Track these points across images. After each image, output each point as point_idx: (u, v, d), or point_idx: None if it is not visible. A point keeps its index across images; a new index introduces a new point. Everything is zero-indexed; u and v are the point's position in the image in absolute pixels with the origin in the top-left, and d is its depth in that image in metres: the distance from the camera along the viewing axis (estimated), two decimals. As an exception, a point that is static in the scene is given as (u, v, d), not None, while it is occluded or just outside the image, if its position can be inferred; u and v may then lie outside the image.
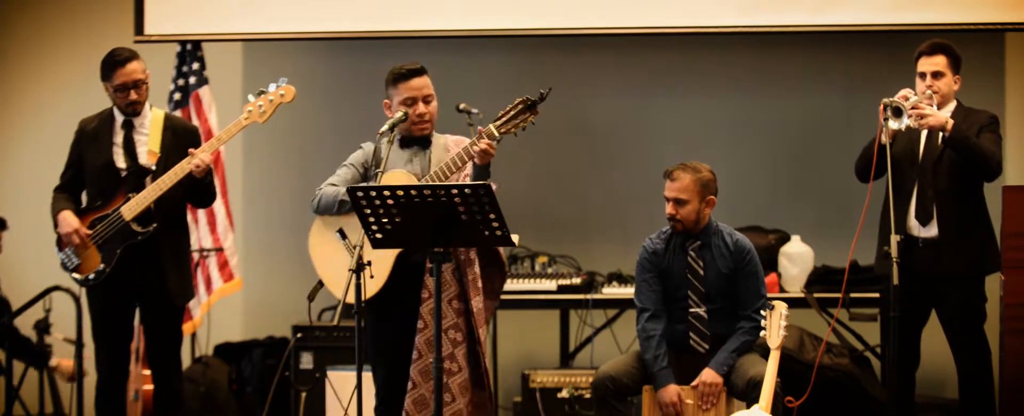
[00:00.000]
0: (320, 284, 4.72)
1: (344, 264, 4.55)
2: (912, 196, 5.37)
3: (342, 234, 4.58)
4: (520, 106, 4.61)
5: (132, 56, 5.30)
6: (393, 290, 4.76)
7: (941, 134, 5.27)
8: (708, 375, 5.09)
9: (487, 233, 4.44)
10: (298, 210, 7.57)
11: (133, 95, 5.28)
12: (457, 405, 4.67)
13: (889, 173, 5.15)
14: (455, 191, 4.33)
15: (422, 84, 4.83)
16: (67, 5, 7.67)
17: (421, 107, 4.81)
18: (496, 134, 4.58)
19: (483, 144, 4.59)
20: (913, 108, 5.17)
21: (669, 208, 5.19)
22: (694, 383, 5.10)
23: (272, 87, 5.25)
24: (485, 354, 4.71)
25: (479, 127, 4.70)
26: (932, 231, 5.34)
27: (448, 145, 4.87)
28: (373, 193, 4.38)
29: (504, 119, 4.61)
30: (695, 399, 5.09)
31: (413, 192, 4.37)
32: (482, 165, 4.63)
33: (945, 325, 5.45)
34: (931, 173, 5.35)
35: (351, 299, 4.44)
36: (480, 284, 4.71)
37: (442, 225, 4.40)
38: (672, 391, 5.07)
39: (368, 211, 4.42)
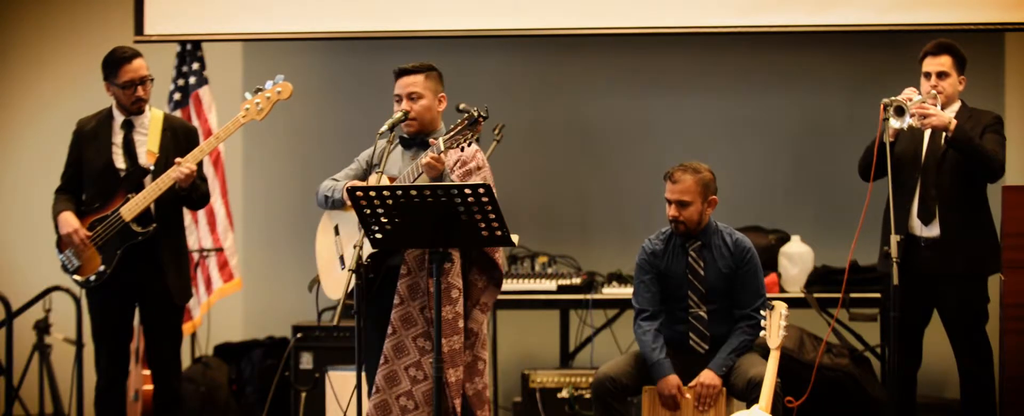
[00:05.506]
0: (317, 278, 4.76)
1: (330, 261, 4.61)
2: (915, 196, 5.36)
3: (336, 231, 4.61)
4: (464, 122, 4.56)
5: (136, 53, 5.31)
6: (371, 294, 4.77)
7: (944, 134, 5.26)
8: (707, 376, 5.08)
9: (487, 233, 4.43)
10: (298, 210, 7.59)
11: (140, 92, 5.28)
12: (420, 413, 4.65)
13: (890, 173, 5.14)
14: (455, 191, 4.34)
15: (408, 83, 4.82)
16: (67, 5, 7.67)
17: (405, 104, 4.81)
18: (442, 147, 4.54)
19: (428, 158, 4.57)
20: (917, 108, 5.17)
21: (671, 211, 5.17)
22: (693, 383, 5.10)
23: (269, 84, 5.26)
24: (447, 367, 4.60)
25: (430, 138, 4.70)
26: (934, 231, 5.34)
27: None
28: (373, 193, 4.38)
29: (450, 134, 4.57)
30: (693, 399, 5.09)
31: (413, 192, 4.37)
32: (434, 177, 4.60)
33: (947, 325, 5.44)
34: (933, 173, 5.34)
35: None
36: (454, 295, 4.64)
37: (442, 225, 4.40)
38: (672, 382, 5.06)
39: (368, 211, 4.42)
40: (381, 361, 4.69)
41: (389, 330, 4.68)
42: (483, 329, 4.79)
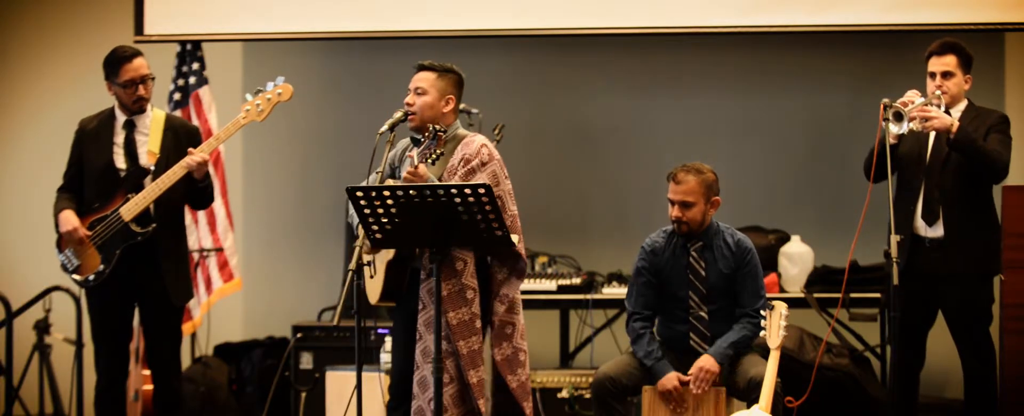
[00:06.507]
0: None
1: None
2: (919, 196, 5.35)
3: None
4: (428, 138, 4.59)
5: (137, 52, 5.32)
6: (395, 297, 4.79)
7: (947, 135, 5.25)
8: (706, 361, 5.06)
9: (487, 233, 4.43)
10: (298, 210, 7.60)
11: (141, 91, 5.28)
12: None
13: (890, 173, 5.13)
14: (455, 191, 4.33)
15: (418, 78, 4.84)
16: (67, 5, 7.68)
17: (410, 97, 4.83)
18: (416, 160, 4.57)
19: (406, 173, 4.58)
20: (918, 111, 5.15)
21: (675, 211, 5.16)
22: (692, 369, 5.07)
23: (269, 86, 5.26)
24: (468, 369, 4.61)
25: (408, 152, 4.73)
26: (938, 231, 5.33)
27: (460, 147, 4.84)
28: (373, 193, 4.38)
29: (420, 149, 4.61)
30: (692, 385, 5.06)
31: (413, 192, 4.37)
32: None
33: (951, 325, 5.43)
34: (937, 174, 5.33)
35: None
36: (469, 295, 4.63)
37: (442, 225, 4.40)
38: (672, 378, 5.06)
39: (368, 211, 4.42)
40: (415, 367, 4.69)
41: (417, 335, 4.68)
42: (520, 320, 4.77)
